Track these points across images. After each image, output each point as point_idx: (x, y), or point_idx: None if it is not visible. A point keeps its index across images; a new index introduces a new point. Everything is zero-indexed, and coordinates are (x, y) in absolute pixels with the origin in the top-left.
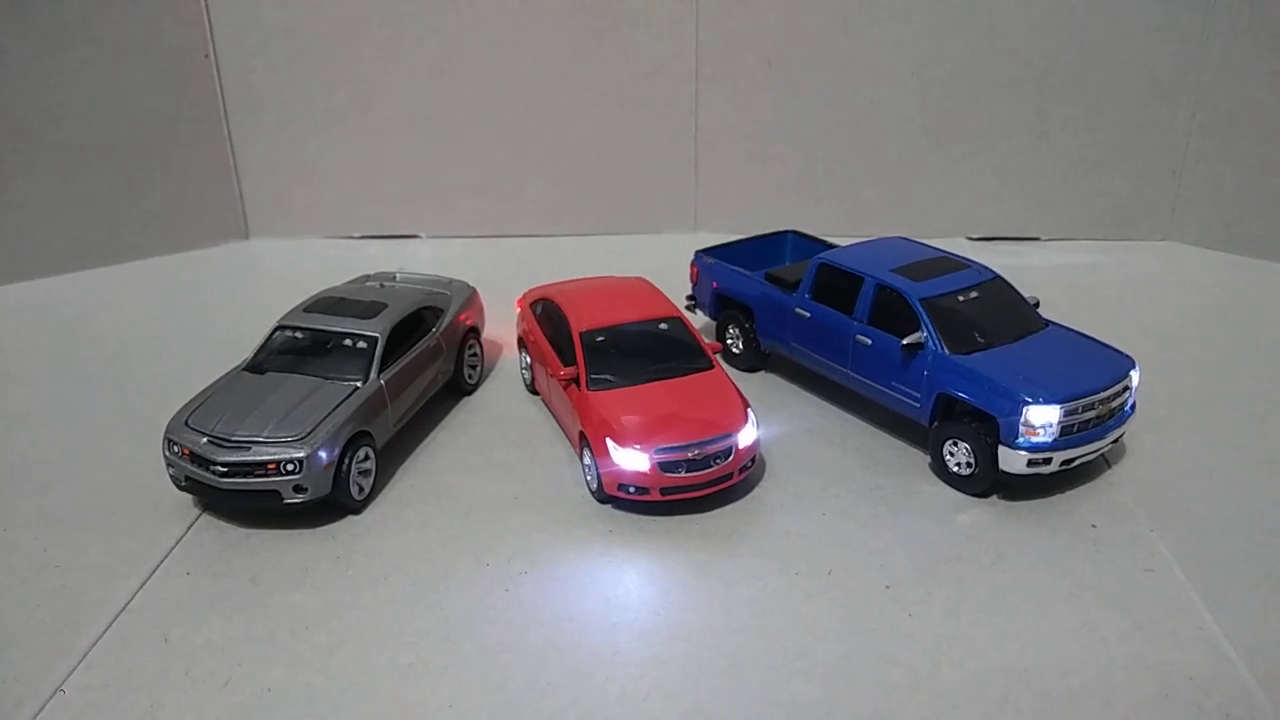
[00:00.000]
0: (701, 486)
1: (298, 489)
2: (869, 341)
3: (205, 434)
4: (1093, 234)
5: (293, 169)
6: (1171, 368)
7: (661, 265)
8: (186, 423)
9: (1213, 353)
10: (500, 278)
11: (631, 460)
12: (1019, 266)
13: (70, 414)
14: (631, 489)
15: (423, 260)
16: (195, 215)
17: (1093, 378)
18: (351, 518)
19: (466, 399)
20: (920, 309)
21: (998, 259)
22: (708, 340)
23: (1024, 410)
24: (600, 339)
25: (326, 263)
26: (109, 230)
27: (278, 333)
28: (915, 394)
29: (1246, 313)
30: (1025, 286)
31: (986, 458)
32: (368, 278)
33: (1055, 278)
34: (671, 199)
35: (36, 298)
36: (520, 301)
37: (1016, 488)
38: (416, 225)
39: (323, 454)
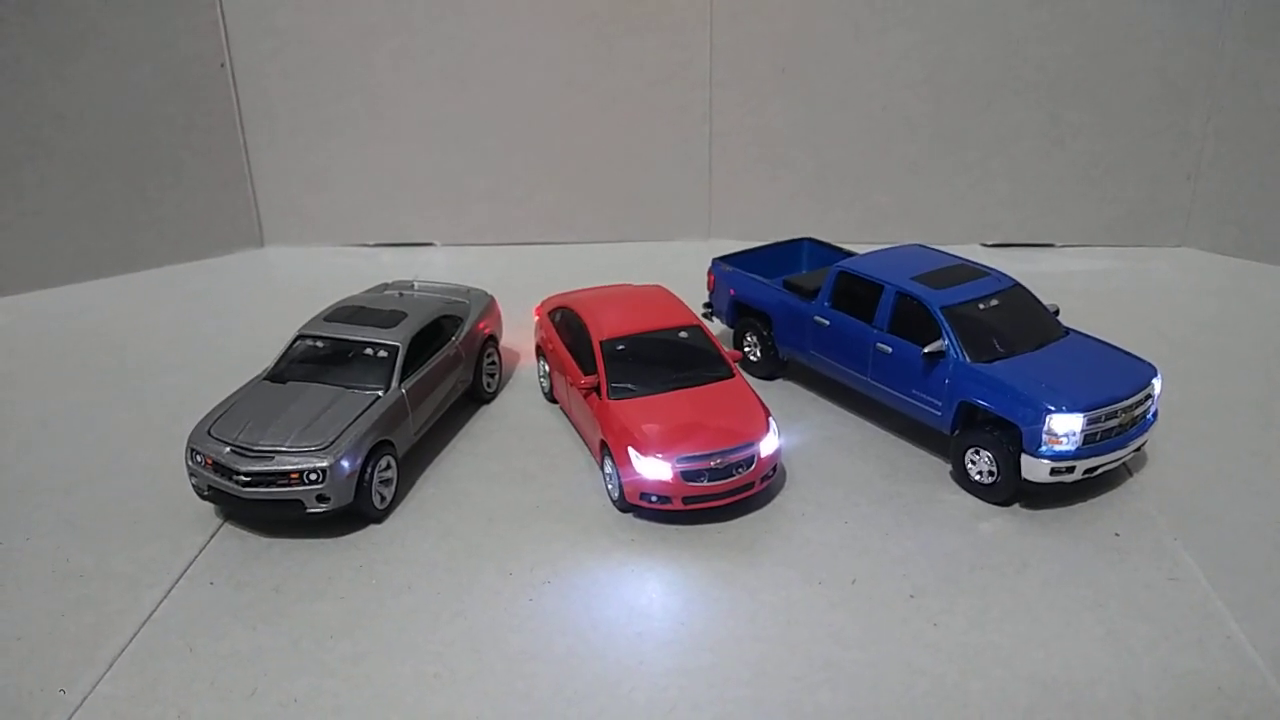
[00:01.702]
0: (723, 495)
1: (321, 498)
2: (889, 350)
3: (228, 443)
4: (1108, 240)
5: (307, 176)
6: (1189, 374)
7: (676, 272)
8: (209, 432)
9: (1230, 359)
10: (515, 285)
11: (654, 469)
12: (1034, 273)
13: (89, 422)
14: (654, 498)
15: (437, 268)
16: (210, 223)
17: (1115, 386)
18: (373, 527)
19: (485, 407)
20: (941, 317)
21: (1013, 265)
22: (727, 348)
23: (1047, 419)
24: (620, 348)
25: (341, 271)
26: (124, 238)
27: (298, 342)
28: (937, 402)
29: (1263, 318)
30: (1041, 293)
31: (1009, 466)
32: (386, 286)
33: (1071, 284)
34: (685, 205)
35: (52, 306)
36: (538, 310)
37: (1038, 496)
38: (431, 233)
39: (345, 463)
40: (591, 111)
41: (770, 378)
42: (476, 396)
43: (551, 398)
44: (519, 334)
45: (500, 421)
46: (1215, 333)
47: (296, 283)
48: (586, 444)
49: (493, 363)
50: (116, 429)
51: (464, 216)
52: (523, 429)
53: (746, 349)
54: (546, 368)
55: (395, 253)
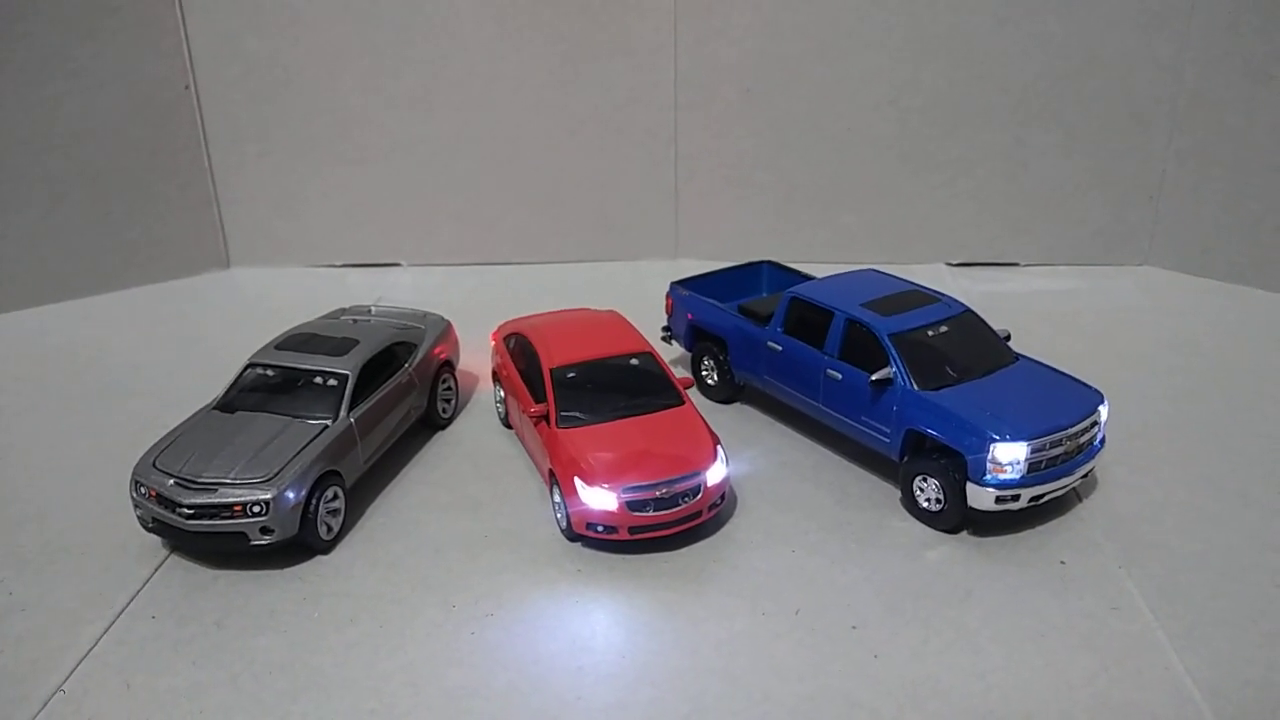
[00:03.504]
0: (670, 525)
1: (265, 530)
2: (839, 376)
3: (172, 475)
4: (1071, 259)
5: (273, 198)
6: (1147, 396)
7: (642, 293)
8: (154, 464)
9: (1189, 380)
10: (481, 305)
11: (599, 499)
12: (998, 292)
13: (47, 449)
14: (600, 528)
15: (404, 288)
16: (176, 245)
17: (1061, 414)
18: (320, 558)
19: (441, 433)
20: (889, 344)
21: (977, 285)
22: (680, 374)
23: (991, 447)
24: (571, 375)
25: (308, 292)
26: (90, 261)
27: (248, 370)
28: (885, 429)
29: (1224, 337)
30: (1004, 312)
31: (955, 494)
32: (343, 311)
33: (1034, 303)
34: (652, 226)
35: (16, 330)
36: (495, 335)
37: (987, 523)
38: (397, 253)
39: (290, 495)
40: (559, 133)
41: (727, 401)
42: (432, 423)
43: (508, 423)
44: (481, 357)
45: (455, 448)
46: (1177, 352)
47: (263, 304)
48: (538, 471)
49: (448, 388)
50: (75, 455)
51: (431, 237)
52: (477, 455)
53: (704, 373)
54: (502, 393)
55: (362, 273)
